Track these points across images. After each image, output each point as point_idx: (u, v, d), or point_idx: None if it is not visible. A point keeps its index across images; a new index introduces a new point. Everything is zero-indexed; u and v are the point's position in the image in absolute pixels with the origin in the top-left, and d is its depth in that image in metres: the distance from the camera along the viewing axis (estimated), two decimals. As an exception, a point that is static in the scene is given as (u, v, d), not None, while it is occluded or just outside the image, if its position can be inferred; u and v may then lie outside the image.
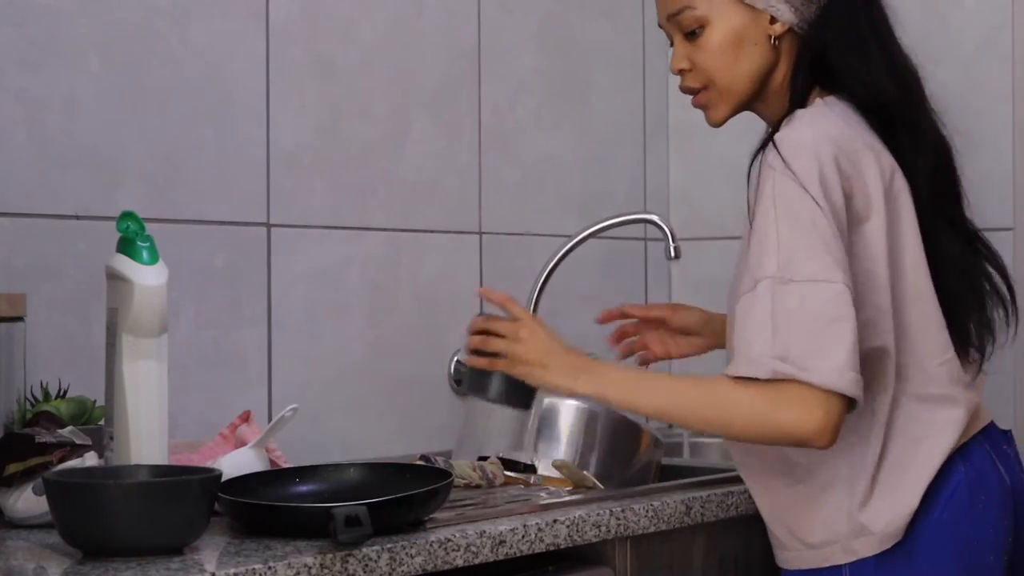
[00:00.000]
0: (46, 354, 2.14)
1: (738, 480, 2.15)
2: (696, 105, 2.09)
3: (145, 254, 1.85)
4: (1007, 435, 2.10)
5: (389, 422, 2.65)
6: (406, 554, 1.73)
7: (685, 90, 2.09)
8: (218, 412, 2.29)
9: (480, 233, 2.82)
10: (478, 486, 2.21)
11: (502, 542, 1.86)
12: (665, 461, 2.46)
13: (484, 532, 1.84)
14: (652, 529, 2.07)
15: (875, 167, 1.95)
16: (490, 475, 2.22)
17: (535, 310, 2.71)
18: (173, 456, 1.93)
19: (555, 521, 1.94)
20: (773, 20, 2.02)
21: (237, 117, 2.43)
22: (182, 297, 2.27)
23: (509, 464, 2.30)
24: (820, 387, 1.82)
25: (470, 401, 2.54)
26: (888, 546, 1.96)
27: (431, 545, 1.76)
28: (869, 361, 1.92)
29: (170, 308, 1.88)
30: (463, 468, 2.21)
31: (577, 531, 1.96)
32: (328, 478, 1.94)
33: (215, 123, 2.40)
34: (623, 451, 2.37)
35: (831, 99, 2.00)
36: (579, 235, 2.71)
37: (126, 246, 1.85)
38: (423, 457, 2.21)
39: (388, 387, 2.65)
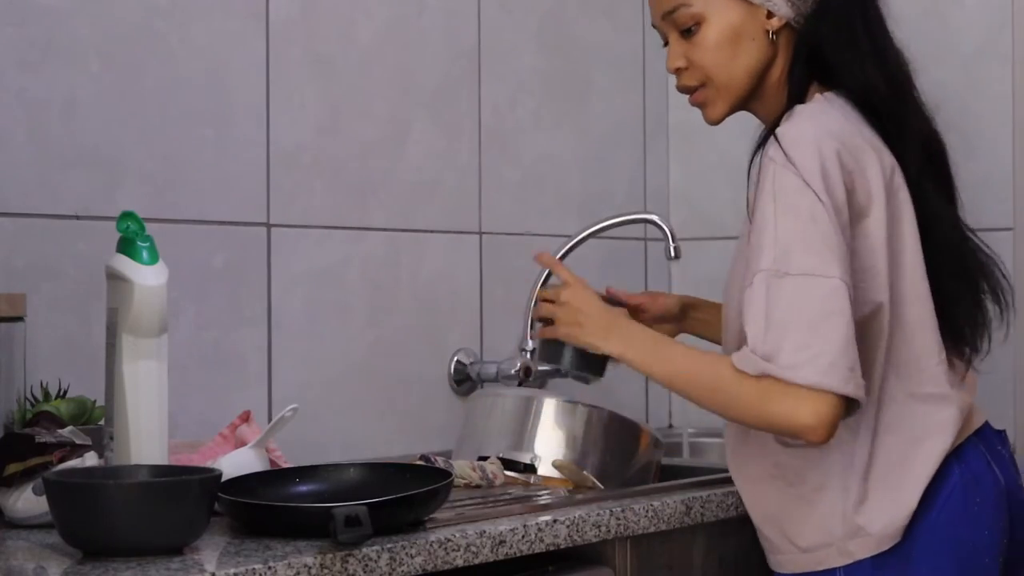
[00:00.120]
0: (46, 354, 2.14)
1: (738, 480, 2.15)
2: (694, 103, 2.09)
3: (145, 254, 1.85)
4: (1001, 435, 2.10)
5: (389, 422, 2.65)
6: (406, 554, 1.73)
7: (682, 89, 2.08)
8: (218, 412, 2.29)
9: (480, 233, 2.82)
10: (478, 486, 2.21)
11: (502, 542, 1.86)
12: (665, 461, 2.46)
13: (484, 532, 1.84)
14: (652, 529, 2.07)
15: (876, 164, 1.95)
16: (490, 475, 2.22)
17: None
18: (173, 456, 1.93)
19: (555, 521, 1.94)
20: (770, 15, 2.02)
21: (237, 117, 2.43)
22: (182, 297, 2.27)
23: (509, 464, 2.30)
24: (805, 385, 1.82)
25: (470, 401, 2.54)
26: (885, 548, 1.95)
27: (431, 545, 1.76)
28: (862, 357, 1.91)
29: (170, 308, 1.88)
30: (463, 468, 2.21)
31: (577, 531, 1.96)
32: (328, 478, 1.94)
33: (215, 123, 2.40)
34: (623, 451, 2.37)
35: (830, 95, 2.00)
36: (579, 235, 2.71)
37: (126, 246, 1.85)
38: (423, 457, 2.21)
39: (388, 387, 2.65)
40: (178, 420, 2.12)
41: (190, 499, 1.67)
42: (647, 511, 2.06)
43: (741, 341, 1.89)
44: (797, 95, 2.01)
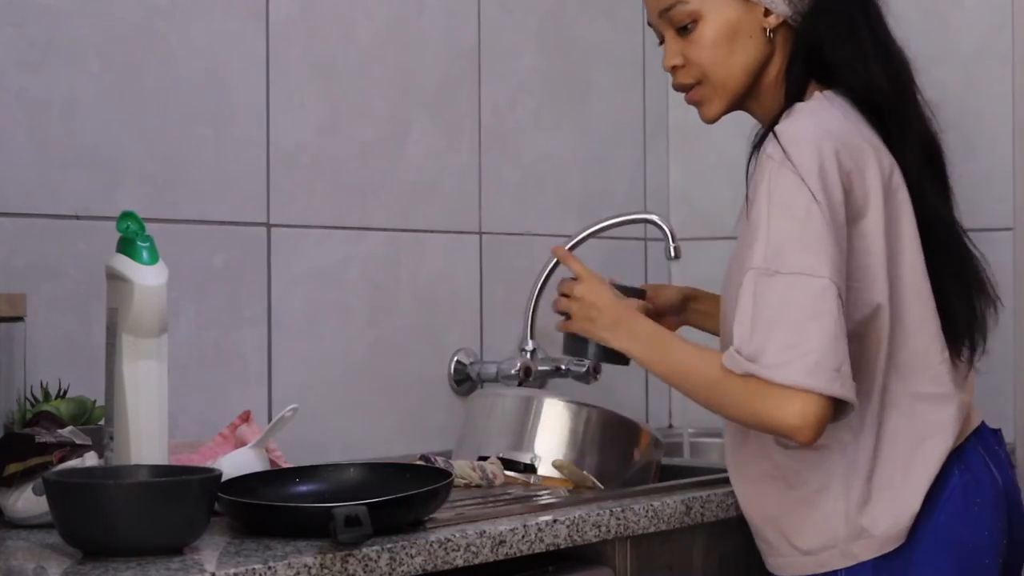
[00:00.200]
0: (46, 354, 2.14)
1: (738, 480, 2.15)
2: (690, 101, 2.08)
3: (145, 254, 1.85)
4: (997, 434, 2.09)
5: (389, 422, 2.65)
6: (406, 554, 1.73)
7: (678, 87, 2.08)
8: (218, 412, 2.29)
9: (480, 233, 2.82)
10: (478, 486, 2.21)
11: (502, 542, 1.86)
12: (665, 461, 2.46)
13: (484, 532, 1.84)
14: (652, 529, 2.07)
15: (875, 164, 1.94)
16: (490, 475, 2.22)
17: (535, 310, 2.71)
18: (173, 456, 1.93)
19: (555, 521, 1.94)
20: (767, 12, 2.01)
21: (237, 117, 2.43)
22: (182, 297, 2.27)
23: (509, 464, 2.30)
24: (789, 386, 1.82)
25: (470, 401, 2.54)
26: (889, 549, 1.95)
27: (431, 545, 1.76)
28: (860, 358, 1.91)
29: (170, 308, 1.88)
30: (463, 468, 2.21)
31: (577, 531, 1.96)
32: (328, 478, 1.94)
33: (215, 123, 2.40)
34: (623, 451, 2.37)
35: (829, 93, 1.99)
36: (579, 235, 2.71)
37: (126, 246, 1.85)
38: (423, 457, 2.21)
39: (388, 387, 2.65)
40: (178, 420, 2.12)
41: (190, 499, 1.67)
42: (647, 511, 2.06)
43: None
44: (795, 93, 2.00)
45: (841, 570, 1.97)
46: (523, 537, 1.89)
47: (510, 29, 2.89)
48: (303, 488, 1.91)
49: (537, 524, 1.91)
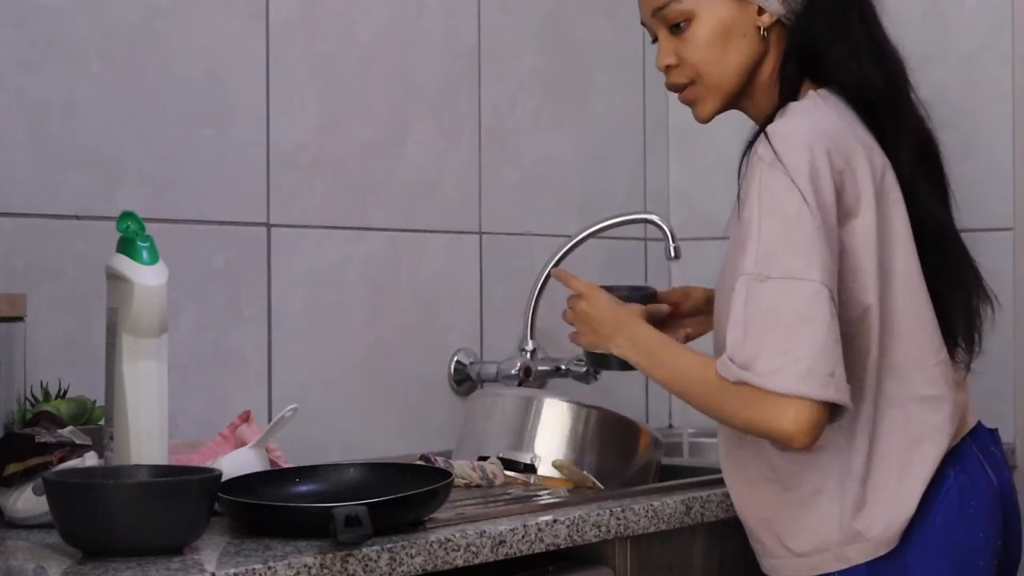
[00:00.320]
0: (46, 354, 2.14)
1: (738, 480, 2.15)
2: (683, 101, 2.07)
3: (145, 254, 1.85)
4: (993, 435, 2.08)
5: (389, 422, 2.65)
6: (406, 554, 1.73)
7: (671, 86, 2.07)
8: (218, 412, 2.29)
9: (480, 233, 2.82)
10: (478, 486, 2.21)
11: (502, 542, 1.86)
12: (665, 461, 2.46)
13: (484, 532, 1.84)
14: (652, 529, 2.07)
15: (867, 164, 1.93)
16: (490, 475, 2.22)
17: (535, 310, 2.71)
18: (173, 456, 1.93)
19: (555, 521, 1.94)
20: (761, 11, 2.00)
21: (237, 117, 2.43)
22: (182, 297, 2.27)
23: (509, 464, 2.30)
24: (783, 393, 1.82)
25: (470, 401, 2.54)
26: (882, 553, 1.94)
27: (431, 545, 1.76)
28: (852, 360, 1.91)
29: (170, 308, 1.88)
30: (463, 468, 2.21)
31: (577, 531, 1.96)
32: (328, 478, 1.94)
33: (215, 123, 2.40)
34: (623, 451, 2.37)
35: (824, 92, 1.98)
36: (579, 235, 2.71)
37: (126, 246, 1.85)
38: (423, 457, 2.21)
39: (388, 387, 2.65)
40: (178, 420, 2.12)
41: (190, 499, 1.67)
42: (647, 511, 2.06)
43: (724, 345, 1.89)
44: (789, 92, 1.99)
45: (834, 573, 1.96)
46: (523, 537, 1.89)
47: (510, 29, 2.89)
48: (303, 488, 1.91)
49: (537, 524, 1.91)
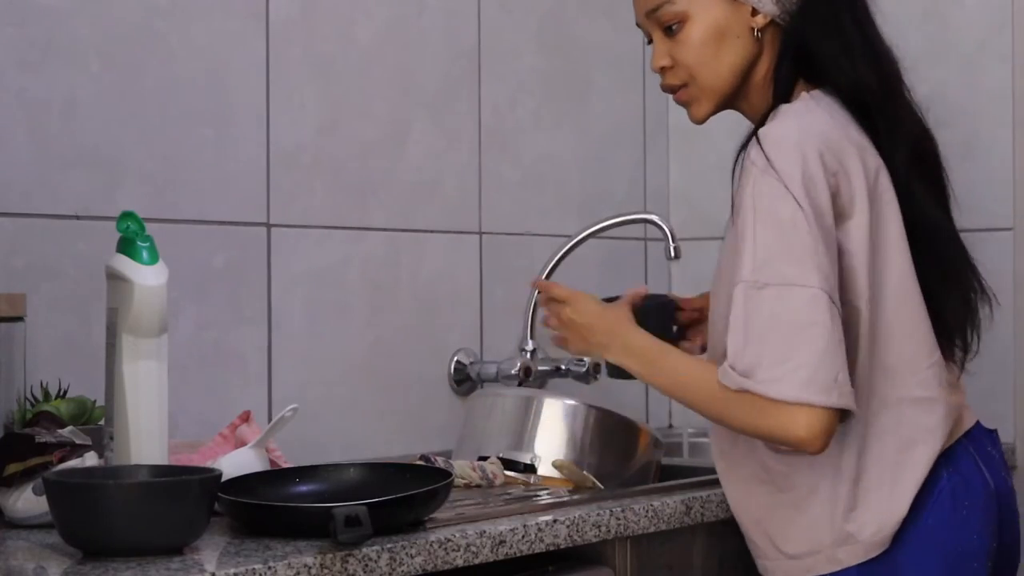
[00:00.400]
0: (46, 354, 2.14)
1: (738, 480, 2.14)
2: (678, 102, 2.07)
3: (145, 254, 1.85)
4: (992, 435, 2.08)
5: (389, 422, 2.65)
6: (406, 554, 1.73)
7: (666, 88, 2.06)
8: (218, 412, 2.29)
9: (480, 233, 2.82)
10: (478, 486, 2.21)
11: (502, 542, 1.86)
12: (665, 461, 2.46)
13: (484, 532, 1.84)
14: (652, 529, 2.07)
15: (860, 166, 1.92)
16: (490, 475, 2.22)
17: (535, 310, 2.71)
18: (173, 456, 1.93)
19: (555, 521, 1.94)
20: (754, 12, 1.99)
21: (237, 117, 2.43)
22: (182, 297, 2.27)
23: (509, 464, 2.30)
24: (785, 401, 1.81)
25: (470, 401, 2.54)
26: (874, 555, 1.94)
27: (431, 545, 1.76)
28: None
29: (170, 308, 1.88)
30: (463, 468, 2.21)
31: (577, 531, 1.96)
32: (328, 478, 1.94)
33: (215, 123, 2.40)
34: (623, 451, 2.37)
35: (817, 93, 1.98)
36: (579, 235, 2.71)
37: (126, 246, 1.85)
38: (423, 457, 2.21)
39: (388, 387, 2.65)
40: (178, 420, 2.12)
41: (190, 499, 1.67)
42: (647, 511, 2.06)
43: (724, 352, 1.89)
44: (783, 93, 1.98)
45: (826, 575, 1.96)
46: (523, 537, 1.89)
47: (510, 29, 2.89)
48: (303, 488, 1.91)
49: (537, 524, 1.91)
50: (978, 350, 2.04)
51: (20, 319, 1.97)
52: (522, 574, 1.94)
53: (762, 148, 1.87)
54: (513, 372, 2.67)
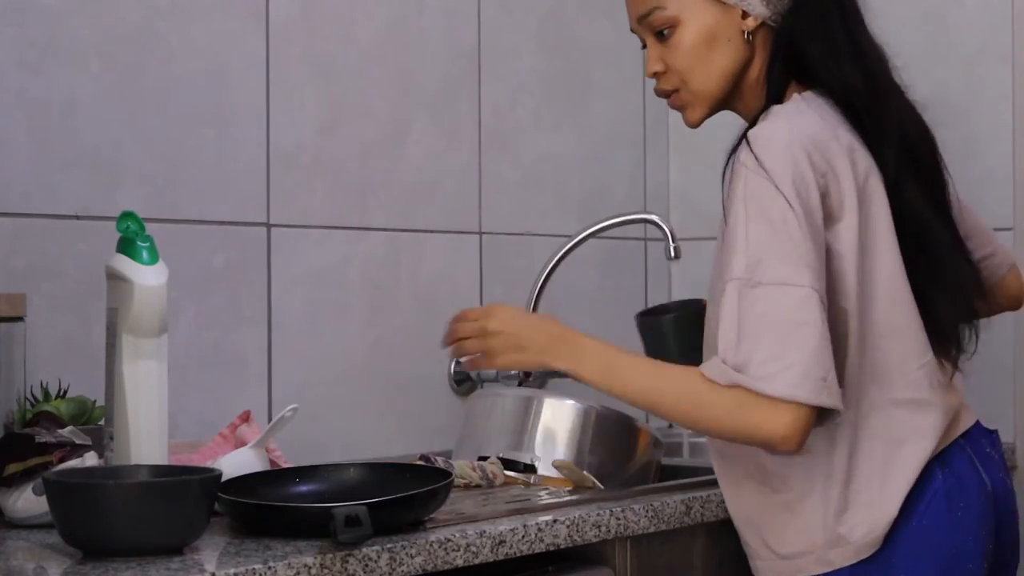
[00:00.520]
0: (46, 354, 2.14)
1: (738, 480, 2.14)
2: (672, 106, 2.07)
3: (145, 254, 1.85)
4: (992, 436, 2.07)
5: (389, 422, 2.65)
6: (406, 554, 1.73)
7: (660, 93, 2.06)
8: (218, 412, 2.29)
9: (480, 233, 2.82)
10: (478, 486, 2.21)
11: (502, 542, 1.86)
12: (665, 461, 2.46)
13: (484, 532, 1.84)
14: (652, 529, 2.07)
15: (849, 167, 1.92)
16: (490, 475, 2.22)
17: (535, 310, 2.71)
18: (173, 456, 1.93)
19: (555, 521, 1.94)
20: (745, 15, 1.99)
21: (237, 117, 2.43)
22: (182, 297, 2.27)
23: (509, 464, 2.30)
24: (777, 397, 1.81)
25: (470, 401, 2.54)
26: (865, 556, 1.93)
27: (431, 545, 1.76)
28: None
29: (170, 308, 1.88)
30: (463, 468, 2.21)
31: (577, 531, 1.96)
32: (328, 478, 1.94)
33: (215, 123, 2.40)
34: (623, 451, 2.37)
35: (809, 94, 1.97)
36: (579, 235, 2.71)
37: (126, 246, 1.85)
38: (423, 457, 2.21)
39: (388, 387, 2.65)
40: (178, 420, 2.12)
41: (190, 499, 1.67)
42: (647, 511, 2.06)
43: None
44: (775, 95, 1.98)
45: None
46: (523, 537, 1.89)
47: (510, 29, 2.89)
48: (303, 488, 1.91)
49: (537, 524, 1.91)
50: (976, 349, 2.04)
51: (20, 319, 1.97)
52: (522, 574, 1.94)
53: (752, 149, 1.87)
54: (513, 372, 2.67)
